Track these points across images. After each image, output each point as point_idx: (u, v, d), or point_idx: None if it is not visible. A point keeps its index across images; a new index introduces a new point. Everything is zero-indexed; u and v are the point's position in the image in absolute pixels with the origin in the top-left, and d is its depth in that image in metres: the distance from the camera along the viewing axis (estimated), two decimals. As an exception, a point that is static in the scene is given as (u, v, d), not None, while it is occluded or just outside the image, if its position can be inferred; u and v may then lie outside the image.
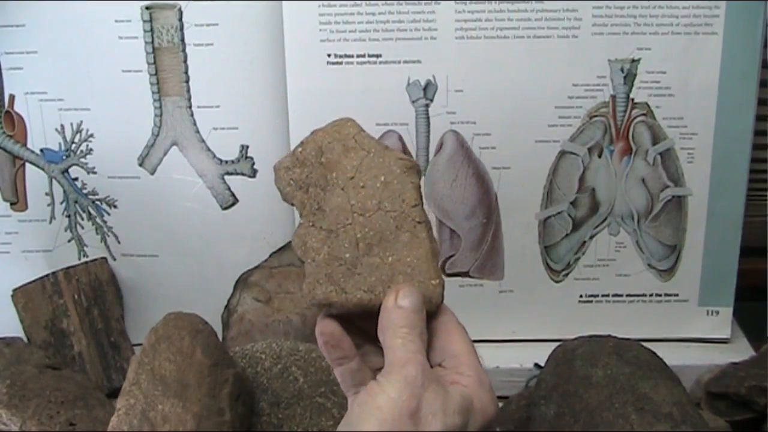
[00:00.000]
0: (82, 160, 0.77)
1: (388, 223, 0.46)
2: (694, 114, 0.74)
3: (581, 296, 0.79)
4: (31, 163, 0.77)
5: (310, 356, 0.62)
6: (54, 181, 0.78)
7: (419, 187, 0.47)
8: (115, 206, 0.78)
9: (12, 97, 0.76)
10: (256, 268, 0.76)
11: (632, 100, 0.74)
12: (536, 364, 0.74)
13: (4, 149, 0.77)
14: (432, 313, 0.46)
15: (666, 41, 0.72)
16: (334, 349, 0.45)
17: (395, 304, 0.44)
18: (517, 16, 0.71)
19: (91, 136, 0.76)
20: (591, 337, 0.64)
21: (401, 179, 0.47)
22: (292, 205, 0.48)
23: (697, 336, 0.79)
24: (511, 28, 0.72)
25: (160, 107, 0.75)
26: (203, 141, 0.76)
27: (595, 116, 0.74)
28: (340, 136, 0.47)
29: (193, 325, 0.57)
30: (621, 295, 0.79)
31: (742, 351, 0.77)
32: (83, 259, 0.79)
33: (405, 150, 0.75)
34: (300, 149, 0.47)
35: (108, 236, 0.79)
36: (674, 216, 0.77)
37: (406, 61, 0.73)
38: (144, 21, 0.73)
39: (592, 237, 0.77)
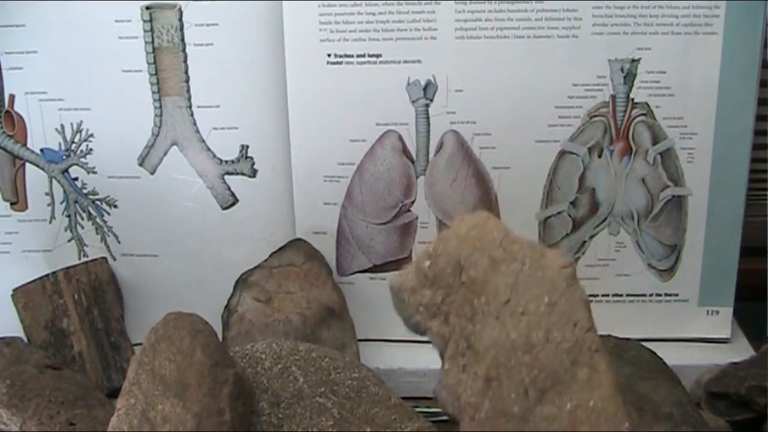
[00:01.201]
0: (82, 160, 0.77)
1: (560, 359, 0.36)
2: (694, 114, 0.74)
3: (581, 296, 0.79)
4: (31, 163, 0.77)
5: (310, 356, 0.62)
6: (54, 181, 0.78)
7: (588, 302, 0.37)
8: (115, 206, 0.78)
9: (12, 97, 0.76)
10: (256, 268, 0.76)
11: (632, 100, 0.74)
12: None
13: (4, 149, 0.77)
14: None
15: (666, 41, 0.72)
16: None
17: None
18: (517, 16, 0.71)
19: (91, 136, 0.76)
20: (591, 337, 0.63)
21: (568, 296, 0.37)
22: (421, 333, 0.39)
23: (697, 336, 0.79)
24: (511, 28, 0.72)
25: (160, 107, 0.75)
26: (203, 141, 0.76)
27: (595, 116, 0.74)
28: (483, 244, 0.38)
29: (193, 325, 0.57)
30: (621, 295, 0.79)
31: (742, 351, 0.77)
32: (83, 259, 0.79)
33: (405, 150, 0.75)
34: (428, 263, 0.38)
35: (108, 236, 0.79)
36: (674, 216, 0.77)
37: (406, 61, 0.73)
38: (144, 21, 0.73)
39: (592, 237, 0.77)
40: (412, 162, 0.75)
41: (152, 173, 0.77)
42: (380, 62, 0.73)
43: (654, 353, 0.66)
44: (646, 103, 0.74)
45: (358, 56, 0.73)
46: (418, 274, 0.38)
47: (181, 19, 0.73)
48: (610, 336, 0.65)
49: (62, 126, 0.76)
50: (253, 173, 0.77)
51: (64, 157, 0.77)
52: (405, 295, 0.38)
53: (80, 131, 0.76)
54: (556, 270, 0.37)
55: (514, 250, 0.37)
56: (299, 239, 0.77)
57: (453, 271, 0.37)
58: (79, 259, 0.79)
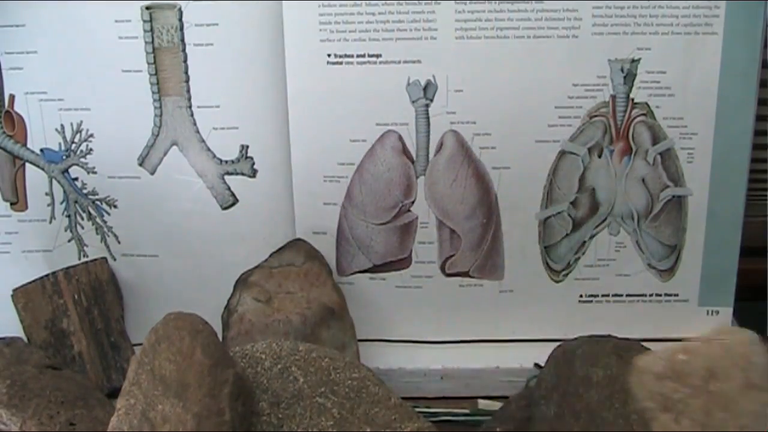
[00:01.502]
0: (82, 160, 0.77)
1: None
2: (694, 114, 0.74)
3: (581, 296, 0.79)
4: (31, 163, 0.77)
5: (310, 356, 0.62)
6: (54, 181, 0.78)
7: None
8: (115, 206, 0.78)
9: (12, 97, 0.76)
10: (256, 268, 0.76)
11: (632, 100, 0.74)
12: (536, 364, 0.74)
13: (4, 149, 0.77)
14: None
15: (666, 41, 0.72)
16: None
17: None
18: (517, 16, 0.71)
19: (91, 136, 0.76)
20: (591, 337, 0.64)
21: None
22: (644, 420, 0.37)
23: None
24: (511, 28, 0.72)
25: (160, 107, 0.75)
26: (203, 141, 0.76)
27: (595, 116, 0.74)
28: (744, 363, 0.37)
29: (193, 325, 0.57)
30: (621, 295, 0.79)
31: (742, 351, 0.77)
32: (83, 259, 0.79)
33: (405, 150, 0.75)
34: (683, 357, 0.38)
35: (108, 236, 0.79)
36: (674, 216, 0.77)
37: (406, 61, 0.73)
38: (144, 21, 0.73)
39: (592, 237, 0.77)
40: (412, 162, 0.75)
41: (152, 173, 0.77)
42: (380, 62, 0.73)
43: (654, 353, 0.65)
44: (646, 103, 0.74)
45: (358, 56, 0.73)
46: (669, 364, 0.37)
47: (181, 19, 0.73)
48: (610, 336, 0.65)
49: (62, 126, 0.76)
50: (253, 173, 0.77)
51: (64, 157, 0.77)
52: (646, 377, 0.37)
53: (80, 131, 0.76)
54: None
55: None
56: (299, 239, 0.77)
57: (704, 376, 0.36)
58: (79, 259, 0.79)
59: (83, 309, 0.76)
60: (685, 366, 0.36)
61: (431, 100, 0.74)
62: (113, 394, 0.67)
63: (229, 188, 0.77)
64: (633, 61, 0.73)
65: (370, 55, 0.73)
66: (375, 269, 0.79)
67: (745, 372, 0.36)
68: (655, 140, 0.75)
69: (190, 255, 0.79)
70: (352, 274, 0.79)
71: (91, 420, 0.63)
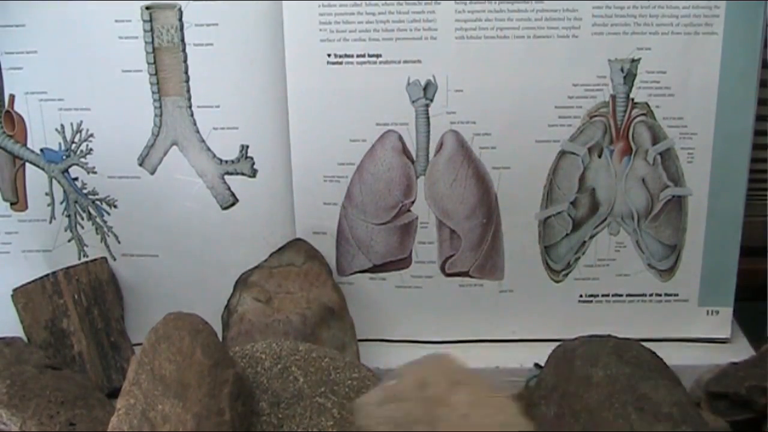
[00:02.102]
0: (82, 160, 0.77)
1: None
2: (694, 114, 0.74)
3: (581, 296, 0.79)
4: (31, 163, 0.77)
5: (310, 356, 0.62)
6: (54, 181, 0.78)
7: None
8: (115, 206, 0.78)
9: (12, 97, 0.76)
10: (256, 268, 0.76)
11: (632, 100, 0.74)
12: (536, 364, 0.74)
13: (4, 149, 0.77)
14: None
15: (666, 41, 0.72)
16: None
17: None
18: (517, 16, 0.71)
19: (91, 136, 0.76)
20: (591, 337, 0.64)
21: (519, 421, 0.42)
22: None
23: (697, 336, 0.79)
24: (511, 28, 0.72)
25: (160, 107, 0.75)
26: (203, 141, 0.76)
27: (595, 116, 0.74)
28: (443, 370, 0.42)
29: (193, 325, 0.57)
30: (621, 295, 0.79)
31: (742, 351, 0.77)
32: (83, 259, 0.79)
33: (405, 150, 0.75)
34: (394, 382, 0.42)
35: (108, 236, 0.79)
36: (674, 216, 0.77)
37: (406, 61, 0.73)
38: (144, 21, 0.73)
39: (592, 237, 0.77)
40: (412, 162, 0.75)
41: (152, 173, 0.77)
42: (380, 62, 0.73)
43: (654, 353, 0.66)
44: (646, 103, 0.74)
45: (358, 56, 0.73)
46: (383, 392, 0.41)
47: (181, 19, 0.73)
48: (610, 336, 0.65)
49: (62, 126, 0.76)
50: (253, 173, 0.77)
51: (64, 157, 0.77)
52: (370, 408, 0.41)
53: (80, 131, 0.76)
54: (507, 401, 0.42)
55: (470, 379, 0.42)
56: (299, 239, 0.77)
57: (417, 387, 0.41)
58: (79, 259, 0.79)
59: (83, 309, 0.76)
60: (398, 388, 0.40)
61: (431, 100, 0.74)
62: (113, 394, 0.67)
63: (229, 188, 0.77)
64: (633, 61, 0.73)
65: (370, 55, 0.73)
66: (375, 269, 0.79)
67: (447, 377, 0.41)
68: (655, 140, 0.75)
69: (190, 255, 0.79)
70: (352, 274, 0.79)
71: (91, 420, 0.63)
